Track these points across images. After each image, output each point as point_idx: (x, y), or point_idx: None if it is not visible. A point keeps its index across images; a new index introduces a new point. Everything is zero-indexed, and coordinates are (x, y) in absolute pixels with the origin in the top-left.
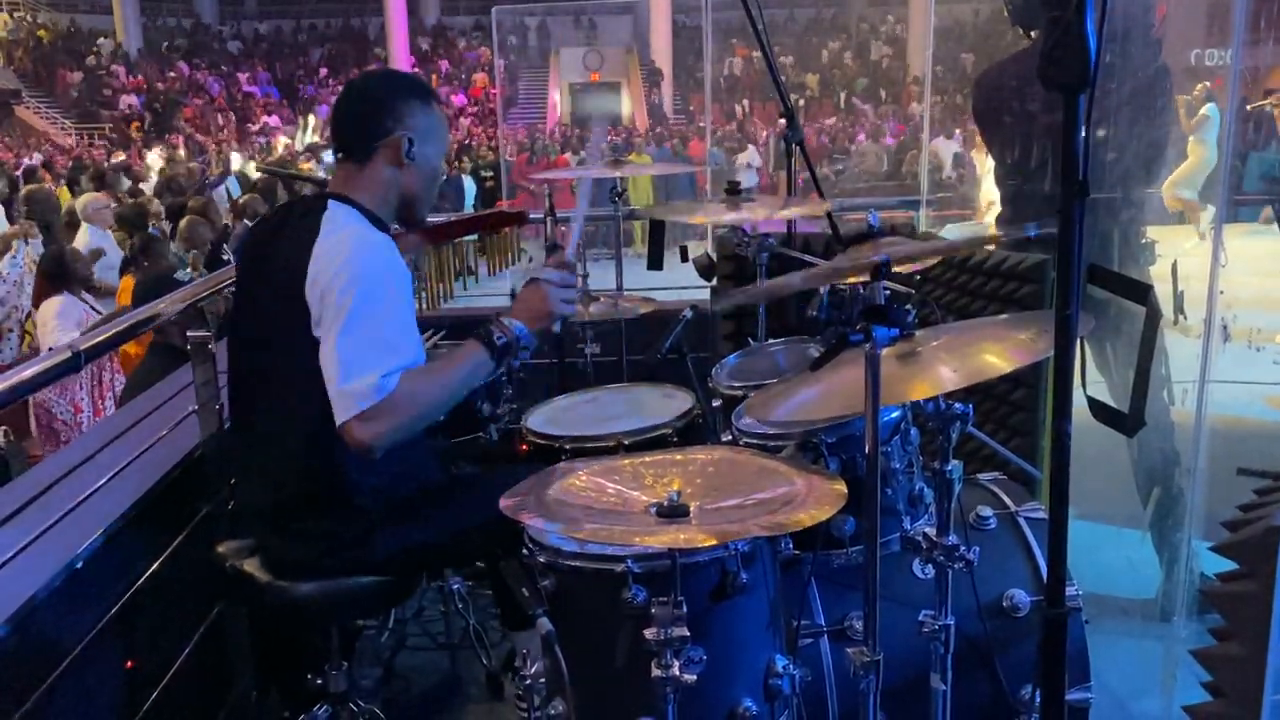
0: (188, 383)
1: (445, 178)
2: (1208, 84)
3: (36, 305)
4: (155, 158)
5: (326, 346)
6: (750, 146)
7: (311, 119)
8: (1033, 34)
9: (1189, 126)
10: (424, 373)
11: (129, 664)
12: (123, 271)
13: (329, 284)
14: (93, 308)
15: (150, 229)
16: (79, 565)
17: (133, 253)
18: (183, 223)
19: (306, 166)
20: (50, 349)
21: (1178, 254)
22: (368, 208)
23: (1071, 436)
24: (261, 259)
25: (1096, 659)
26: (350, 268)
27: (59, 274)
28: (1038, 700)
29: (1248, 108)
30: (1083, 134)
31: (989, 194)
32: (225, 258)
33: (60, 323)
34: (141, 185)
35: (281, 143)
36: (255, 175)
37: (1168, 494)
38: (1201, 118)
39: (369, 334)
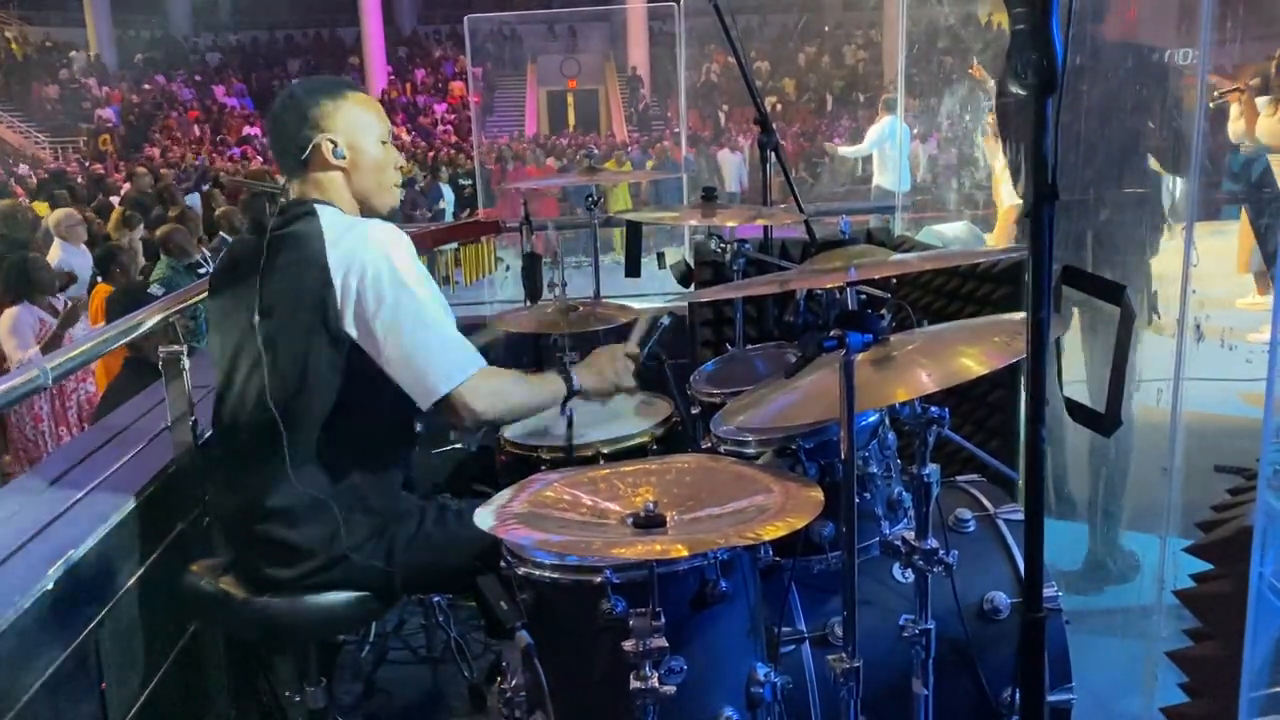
0: (161, 398)
1: (421, 186)
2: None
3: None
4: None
5: (405, 332)
6: (722, 150)
7: None
8: None
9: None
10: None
11: (103, 686)
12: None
13: (372, 272)
14: (58, 312)
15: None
16: (50, 586)
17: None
18: (161, 230)
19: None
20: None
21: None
22: (341, 209)
23: (1047, 440)
24: (257, 263)
25: (1078, 659)
26: (391, 257)
27: (20, 283)
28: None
29: (1215, 93)
30: (1051, 137)
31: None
32: (203, 271)
33: (15, 334)
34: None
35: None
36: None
37: (1110, 481)
38: None
39: (445, 315)
